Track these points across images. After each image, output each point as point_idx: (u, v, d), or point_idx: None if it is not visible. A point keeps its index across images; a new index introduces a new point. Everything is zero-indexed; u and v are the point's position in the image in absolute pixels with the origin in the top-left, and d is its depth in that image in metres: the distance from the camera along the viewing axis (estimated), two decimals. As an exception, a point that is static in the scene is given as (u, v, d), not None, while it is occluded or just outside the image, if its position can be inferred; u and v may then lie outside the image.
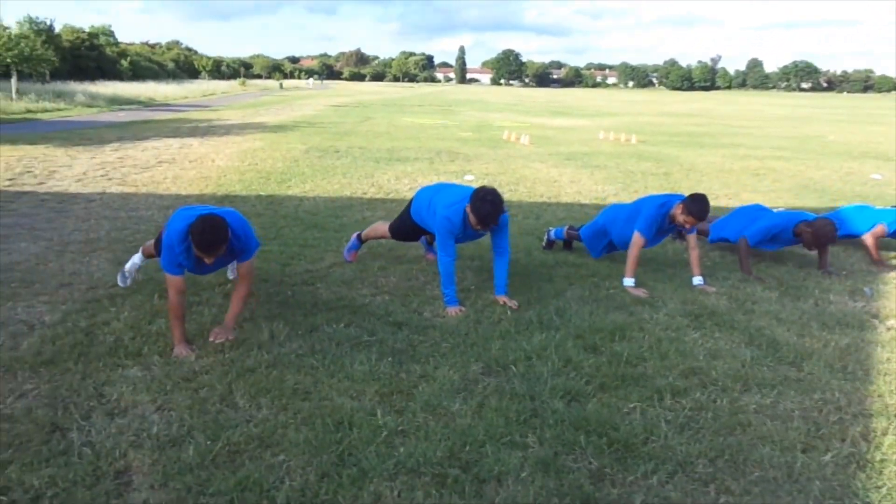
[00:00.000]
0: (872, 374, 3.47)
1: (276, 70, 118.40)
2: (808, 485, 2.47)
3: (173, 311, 3.50)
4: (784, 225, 5.48)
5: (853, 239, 6.21)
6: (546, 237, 6.02)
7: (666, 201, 4.97)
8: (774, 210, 6.10)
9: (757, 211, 5.96)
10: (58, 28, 46.67)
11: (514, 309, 4.21)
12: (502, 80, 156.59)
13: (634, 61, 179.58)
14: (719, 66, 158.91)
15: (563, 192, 9.44)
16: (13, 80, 25.85)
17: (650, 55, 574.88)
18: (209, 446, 2.57)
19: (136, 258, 4.53)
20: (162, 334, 3.68)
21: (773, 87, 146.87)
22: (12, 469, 2.39)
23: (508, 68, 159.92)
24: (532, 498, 2.33)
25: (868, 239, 5.93)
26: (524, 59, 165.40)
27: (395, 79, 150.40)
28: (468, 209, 4.19)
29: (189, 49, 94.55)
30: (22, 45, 26.15)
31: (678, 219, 4.82)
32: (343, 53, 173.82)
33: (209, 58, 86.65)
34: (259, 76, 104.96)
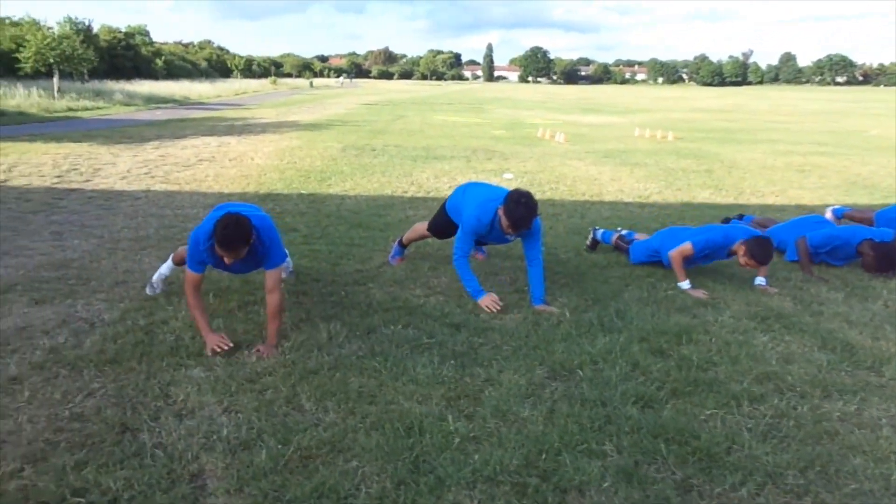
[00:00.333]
0: (957, 381, 3.32)
1: (305, 69, 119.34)
2: (906, 500, 2.35)
3: (192, 305, 3.50)
4: (847, 238, 5.26)
5: None
6: (591, 236, 5.82)
7: (731, 235, 4.72)
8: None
9: (817, 222, 5.78)
10: (95, 28, 47.51)
11: (554, 314, 4.09)
12: (530, 78, 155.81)
13: (664, 57, 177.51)
14: (751, 60, 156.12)
15: (605, 190, 9.29)
16: (55, 79, 26.35)
17: (679, 51, 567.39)
18: (281, 450, 2.53)
19: (164, 269, 4.40)
20: (223, 335, 3.66)
21: (807, 82, 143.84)
22: (88, 470, 2.37)
23: (536, 66, 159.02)
24: (617, 509, 2.25)
25: None
26: (552, 56, 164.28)
27: (423, 77, 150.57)
28: (501, 211, 4.07)
29: (221, 48, 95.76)
30: (64, 45, 26.64)
31: (739, 259, 4.63)
32: (371, 52, 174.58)
33: (241, 57, 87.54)
34: (289, 75, 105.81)
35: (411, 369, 3.26)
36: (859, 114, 33.10)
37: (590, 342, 3.64)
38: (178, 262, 4.32)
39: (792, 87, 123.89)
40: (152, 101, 30.43)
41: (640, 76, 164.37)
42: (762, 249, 4.52)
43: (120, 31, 55.85)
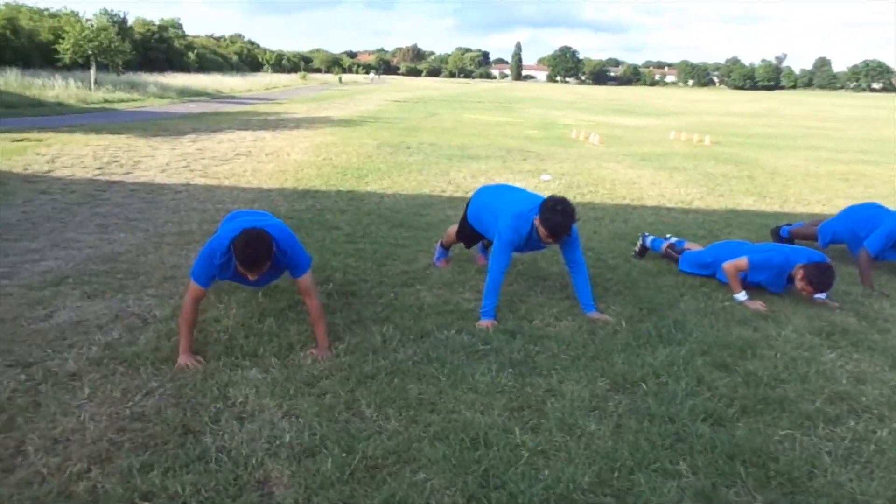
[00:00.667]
0: None
1: (334, 64, 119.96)
2: None
3: (185, 317, 3.31)
4: None
5: None
6: (640, 243, 5.68)
7: (792, 258, 4.49)
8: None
9: (873, 211, 5.49)
10: (129, 21, 48.11)
11: (609, 323, 3.99)
12: (558, 78, 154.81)
13: (694, 59, 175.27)
14: (784, 64, 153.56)
15: (646, 194, 9.13)
16: (92, 71, 26.73)
17: (710, 53, 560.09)
18: (346, 459, 2.47)
19: None
20: (274, 334, 3.63)
21: (842, 88, 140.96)
22: (155, 473, 2.34)
23: (565, 65, 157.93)
24: (698, 534, 2.16)
25: None
26: (580, 56, 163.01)
27: (451, 74, 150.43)
28: (537, 221, 3.90)
29: (251, 42, 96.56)
30: (101, 37, 27.01)
31: (797, 283, 4.41)
32: (399, 49, 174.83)
33: (272, 52, 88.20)
34: (318, 70, 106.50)
35: (470, 377, 3.19)
36: (899, 121, 32.33)
37: (650, 354, 3.54)
38: None
39: (826, 93, 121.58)
40: (185, 94, 30.74)
41: (669, 78, 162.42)
42: (821, 276, 4.29)
43: (153, 24, 56.48)
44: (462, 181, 9.48)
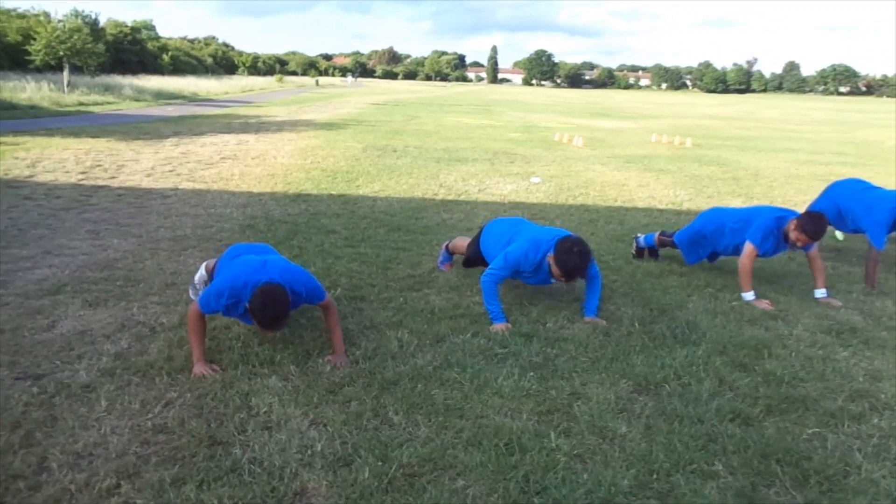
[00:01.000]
0: None
1: (311, 67, 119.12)
2: None
3: (193, 328, 3.24)
4: (892, 209, 5.01)
5: None
6: (635, 245, 5.70)
7: (783, 215, 4.63)
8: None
9: (856, 188, 5.52)
10: (101, 22, 47.28)
11: (604, 326, 3.97)
12: (534, 81, 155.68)
13: (668, 63, 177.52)
14: (755, 68, 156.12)
15: (636, 196, 9.19)
16: (65, 73, 26.21)
17: (683, 57, 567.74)
18: (382, 467, 2.43)
19: (203, 270, 4.22)
20: (289, 341, 3.57)
21: (811, 91, 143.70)
22: (188, 488, 2.27)
23: (540, 69, 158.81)
24: (744, 536, 2.15)
25: None
26: (556, 59, 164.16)
27: (428, 77, 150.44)
28: (551, 259, 3.84)
29: (226, 45, 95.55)
30: (74, 38, 26.49)
31: (790, 235, 4.50)
32: (375, 51, 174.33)
33: (249, 54, 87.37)
34: (294, 73, 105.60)
35: (493, 381, 3.16)
36: (870, 125, 33.01)
37: (668, 355, 3.54)
38: (210, 273, 4.15)
39: (796, 96, 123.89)
40: (161, 96, 30.29)
41: (643, 81, 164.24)
42: (815, 223, 4.41)
43: (126, 26, 55.64)
44: (453, 184, 9.45)
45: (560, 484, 2.36)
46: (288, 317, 3.15)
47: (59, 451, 2.47)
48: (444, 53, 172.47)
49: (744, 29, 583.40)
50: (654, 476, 2.44)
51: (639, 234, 5.82)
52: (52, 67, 27.28)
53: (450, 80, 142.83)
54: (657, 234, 5.58)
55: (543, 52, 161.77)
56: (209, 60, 74.74)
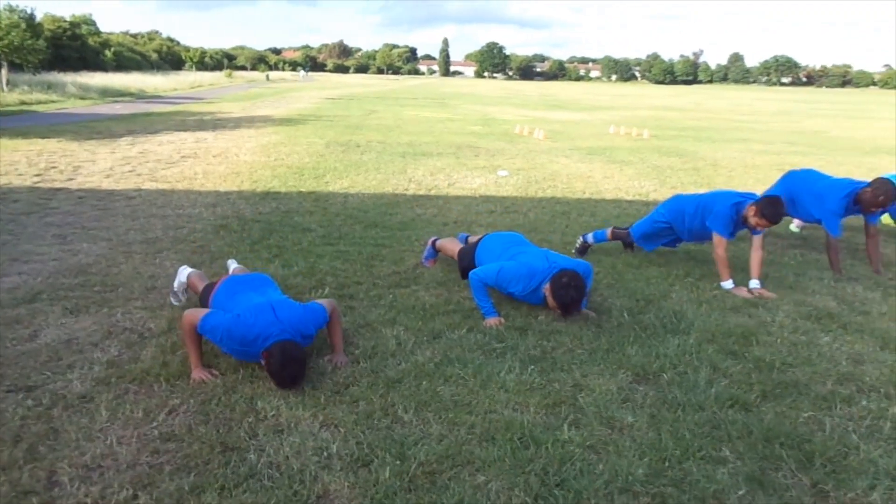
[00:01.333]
0: None
1: (260, 62, 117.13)
2: None
3: (188, 336, 3.17)
4: (844, 197, 5.18)
5: None
6: (580, 241, 5.68)
7: (740, 200, 4.76)
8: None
9: (814, 182, 5.64)
10: (38, 17, 45.47)
11: (591, 317, 4.04)
12: (486, 73, 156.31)
13: (617, 55, 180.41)
14: (701, 60, 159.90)
15: (602, 188, 9.34)
16: (3, 71, 25.16)
17: (632, 49, 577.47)
18: (401, 467, 2.43)
19: (182, 276, 4.14)
20: (285, 342, 3.52)
21: (755, 82, 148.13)
22: (208, 496, 2.23)
23: (492, 61, 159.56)
24: (760, 518, 2.23)
25: None
26: (507, 51, 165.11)
27: (380, 71, 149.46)
28: (547, 291, 3.87)
29: (171, 39, 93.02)
30: (13, 34, 25.43)
31: (749, 220, 4.62)
32: (326, 45, 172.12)
33: (196, 49, 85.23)
34: (243, 67, 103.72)
35: (496, 376, 3.19)
36: (814, 114, 34.19)
37: (661, 344, 3.62)
38: (192, 289, 4.04)
39: (741, 87, 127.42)
40: (108, 94, 29.34)
41: (594, 73, 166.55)
42: (773, 207, 4.52)
43: (65, 21, 53.67)
44: (422, 179, 9.44)
45: (578, 475, 2.41)
46: (305, 376, 3.07)
47: (68, 465, 2.40)
48: (395, 46, 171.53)
49: (689, 21, 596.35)
50: (667, 464, 2.51)
51: (586, 233, 5.81)
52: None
53: (402, 74, 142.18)
54: (609, 230, 5.62)
55: (495, 44, 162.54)
56: (154, 56, 72.68)
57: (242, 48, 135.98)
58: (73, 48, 51.65)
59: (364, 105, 28.24)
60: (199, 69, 73.06)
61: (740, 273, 5.02)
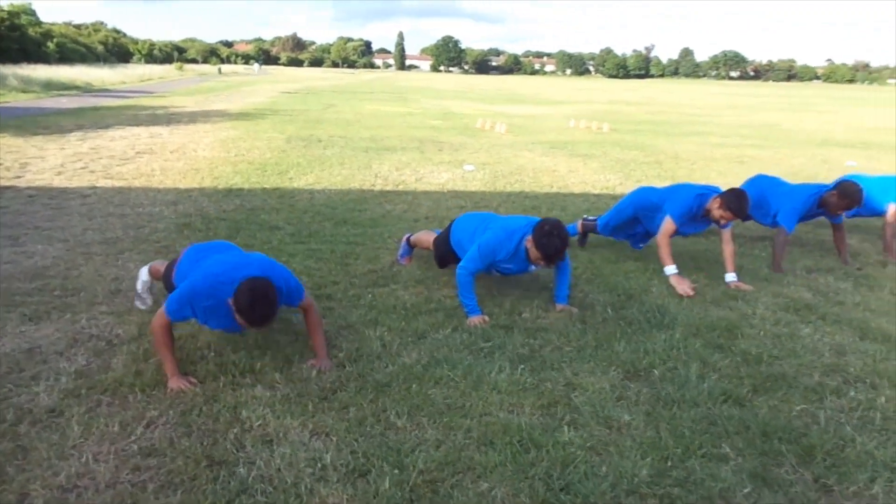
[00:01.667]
0: None
1: (211, 55, 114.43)
2: None
3: (161, 341, 3.00)
4: (808, 197, 5.19)
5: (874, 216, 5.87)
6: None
7: (703, 192, 4.72)
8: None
9: (781, 185, 5.69)
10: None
11: (575, 313, 4.00)
12: (442, 67, 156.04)
13: (571, 49, 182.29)
14: (653, 54, 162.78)
15: (569, 181, 9.35)
16: (-60, 64, 23.96)
17: (586, 43, 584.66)
18: (401, 476, 2.33)
19: (144, 275, 3.94)
20: (265, 347, 3.39)
21: (704, 76, 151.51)
22: (200, 515, 2.10)
23: (448, 55, 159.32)
24: (767, 516, 2.21)
25: (891, 217, 5.49)
26: (462, 46, 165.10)
27: (335, 64, 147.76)
28: (529, 243, 3.81)
29: (117, 31, 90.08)
30: (-52, 25, 24.22)
31: (714, 213, 4.57)
32: (279, 38, 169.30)
33: (144, 41, 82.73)
34: (194, 61, 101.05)
35: (487, 377, 3.11)
36: (764, 108, 35.09)
37: (648, 340, 3.60)
38: (156, 277, 3.89)
39: (692, 81, 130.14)
40: (52, 87, 28.19)
41: (549, 67, 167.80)
42: (739, 200, 4.45)
43: (3, 10, 51.45)
44: (388, 174, 9.30)
45: (583, 478, 2.34)
46: (276, 314, 2.95)
47: (41, 486, 2.23)
48: (350, 40, 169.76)
49: (641, 16, 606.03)
50: (669, 463, 2.47)
51: None
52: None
53: (357, 67, 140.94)
54: (579, 222, 5.59)
55: (450, 38, 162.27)
56: (99, 48, 70.32)
57: (193, 41, 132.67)
58: (13, 39, 49.50)
59: (322, 99, 27.84)
60: (147, 62, 71.08)
61: (715, 266, 5.06)
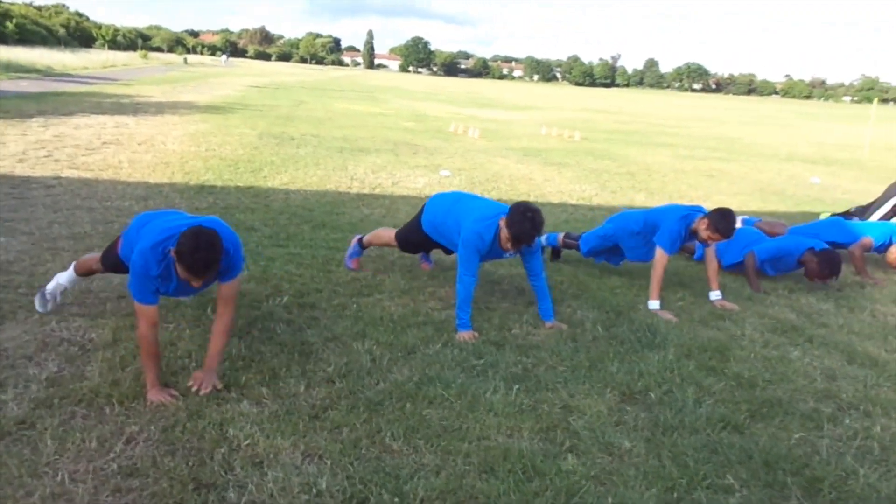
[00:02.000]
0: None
1: (177, 44, 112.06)
2: None
3: (145, 347, 2.83)
4: (790, 250, 5.28)
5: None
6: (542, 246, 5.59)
7: (688, 214, 4.65)
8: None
9: (756, 234, 5.73)
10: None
11: (565, 330, 3.94)
12: (410, 68, 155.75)
13: (539, 55, 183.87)
14: (619, 64, 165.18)
15: (546, 190, 9.33)
16: None
17: (554, 50, 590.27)
18: (402, 504, 2.22)
19: (64, 277, 3.72)
20: (250, 358, 3.23)
21: (668, 87, 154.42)
22: (190, 547, 1.95)
23: (417, 56, 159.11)
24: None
25: (856, 250, 5.71)
26: (432, 47, 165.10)
27: (303, 60, 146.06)
28: (503, 223, 3.74)
29: (79, 14, 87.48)
30: None
31: (701, 234, 4.53)
32: (246, 30, 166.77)
33: (108, 26, 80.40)
34: (160, 49, 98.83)
35: (482, 397, 3.02)
36: (727, 121, 35.79)
37: (641, 360, 3.55)
38: (83, 273, 3.71)
39: (656, 92, 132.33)
40: (11, 69, 27.17)
41: (517, 72, 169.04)
42: (726, 221, 4.42)
43: (-42, -12, 49.59)
44: (364, 177, 9.15)
45: (591, 510, 2.27)
46: (219, 266, 2.79)
47: (13, 511, 2.06)
48: (319, 36, 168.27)
49: (608, 25, 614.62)
50: (675, 494, 2.41)
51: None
52: None
53: (326, 64, 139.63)
54: (561, 235, 5.48)
55: (420, 39, 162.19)
56: (61, 31, 68.17)
57: (158, 28, 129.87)
58: (-31, 18, 47.80)
59: (291, 95, 27.45)
60: (111, 48, 69.07)
61: (698, 283, 5.07)
